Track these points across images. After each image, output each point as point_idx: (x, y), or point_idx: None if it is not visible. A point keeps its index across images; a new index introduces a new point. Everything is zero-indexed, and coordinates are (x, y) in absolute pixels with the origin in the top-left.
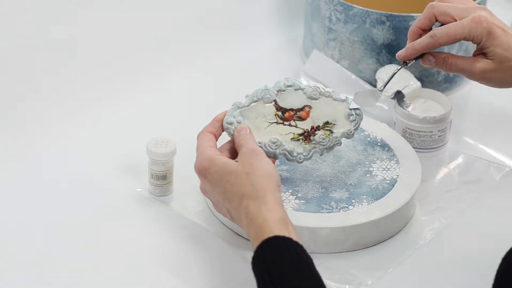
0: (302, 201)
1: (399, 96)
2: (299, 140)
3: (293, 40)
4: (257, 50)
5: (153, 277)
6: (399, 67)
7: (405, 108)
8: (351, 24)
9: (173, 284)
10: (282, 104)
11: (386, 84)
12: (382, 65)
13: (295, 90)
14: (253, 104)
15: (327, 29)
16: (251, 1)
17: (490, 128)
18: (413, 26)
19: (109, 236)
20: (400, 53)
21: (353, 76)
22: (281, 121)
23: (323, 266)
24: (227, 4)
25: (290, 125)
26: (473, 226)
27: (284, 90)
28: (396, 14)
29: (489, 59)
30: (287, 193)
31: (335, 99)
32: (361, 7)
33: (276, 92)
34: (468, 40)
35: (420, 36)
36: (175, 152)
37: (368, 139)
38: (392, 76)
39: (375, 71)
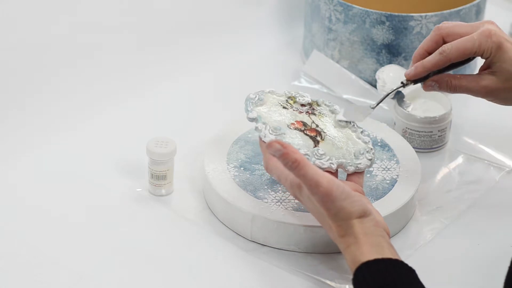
0: None
1: (399, 96)
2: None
3: (293, 40)
4: (257, 51)
5: (153, 276)
6: (395, 88)
7: (405, 108)
8: (350, 24)
9: (173, 284)
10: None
11: (379, 103)
12: (382, 65)
13: (330, 110)
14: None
15: (327, 29)
16: (251, 1)
17: (490, 128)
18: (419, 48)
19: (109, 236)
20: (408, 72)
21: (353, 76)
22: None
23: (323, 266)
24: (227, 5)
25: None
26: (473, 226)
27: (320, 105)
28: (396, 14)
29: (495, 75)
30: (287, 193)
31: (358, 137)
32: (360, 7)
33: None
34: (477, 54)
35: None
36: (175, 152)
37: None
38: (386, 96)
39: (375, 71)
